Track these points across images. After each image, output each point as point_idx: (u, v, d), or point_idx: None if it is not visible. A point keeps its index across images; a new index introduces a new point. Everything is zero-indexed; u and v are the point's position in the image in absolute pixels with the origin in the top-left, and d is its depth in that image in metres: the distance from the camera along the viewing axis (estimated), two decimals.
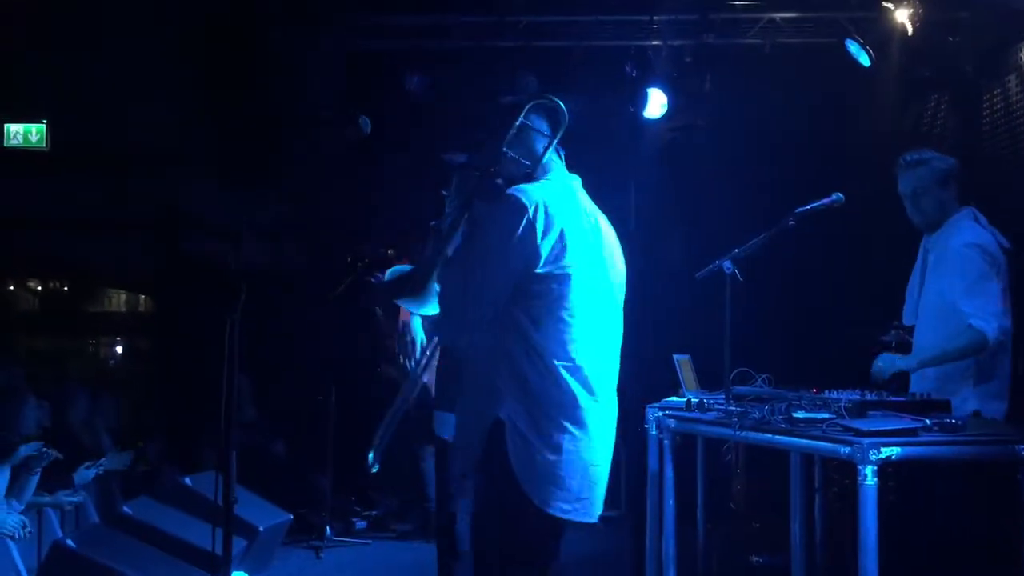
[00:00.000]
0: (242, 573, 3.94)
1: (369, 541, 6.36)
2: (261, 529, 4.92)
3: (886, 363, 3.79)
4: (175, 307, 7.82)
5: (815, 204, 3.84)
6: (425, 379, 4.62)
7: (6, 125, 6.69)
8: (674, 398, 4.23)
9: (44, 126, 6.61)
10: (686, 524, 4.33)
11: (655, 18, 6.45)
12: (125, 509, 4.50)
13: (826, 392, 3.49)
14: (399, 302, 4.69)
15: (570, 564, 5.38)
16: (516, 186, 2.67)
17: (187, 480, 5.37)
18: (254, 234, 7.28)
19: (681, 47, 6.57)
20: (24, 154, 6.45)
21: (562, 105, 2.77)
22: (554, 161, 2.81)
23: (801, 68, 6.59)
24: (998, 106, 5.40)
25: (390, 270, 5.09)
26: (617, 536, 6.37)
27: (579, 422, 2.63)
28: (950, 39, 5.73)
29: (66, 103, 6.57)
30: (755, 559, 5.28)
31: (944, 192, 3.78)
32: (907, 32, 5.70)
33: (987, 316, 3.53)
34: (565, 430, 2.61)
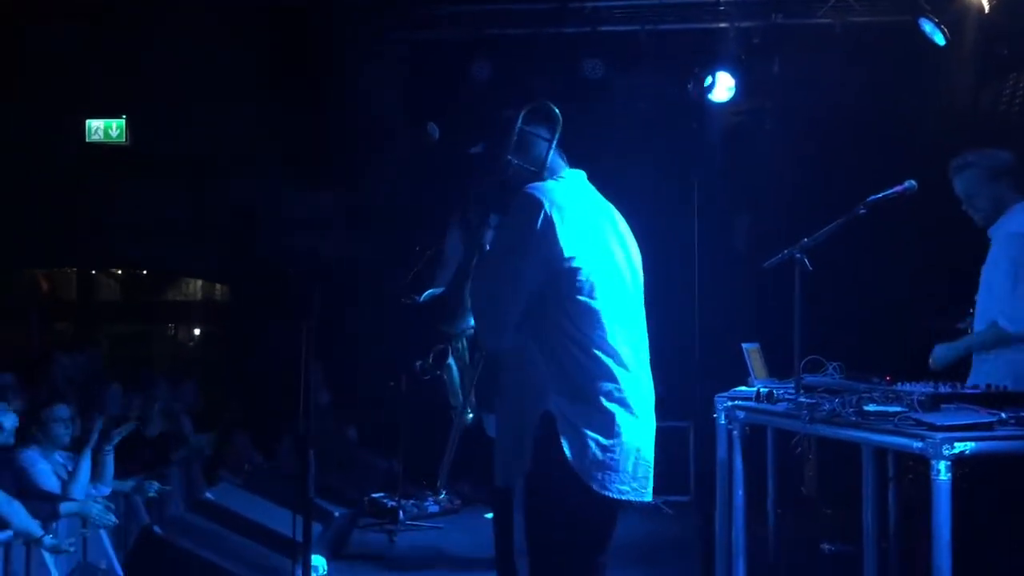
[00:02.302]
0: (320, 558, 4.06)
1: (441, 525, 6.47)
2: (336, 515, 5.04)
3: (939, 352, 3.88)
4: (251, 299, 8.01)
5: (887, 192, 3.78)
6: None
7: (87, 121, 6.91)
8: (743, 387, 4.22)
9: (124, 122, 6.81)
10: (755, 513, 4.33)
11: None
12: (208, 495, 4.66)
13: (898, 384, 3.46)
14: (438, 324, 4.86)
15: (640, 549, 5.44)
16: (530, 184, 2.79)
17: (265, 466, 5.54)
18: (327, 227, 7.42)
19: (749, 29, 6.48)
20: (108, 151, 6.66)
21: (555, 109, 2.89)
22: (558, 161, 2.92)
23: (873, 48, 6.43)
24: None
25: (425, 293, 5.22)
26: (685, 523, 6.39)
27: (624, 403, 2.73)
28: None
29: (147, 102, 6.76)
30: (826, 547, 5.24)
31: (997, 187, 3.78)
32: (983, 9, 5.54)
33: (1015, 317, 3.62)
34: (612, 413, 2.70)
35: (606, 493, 2.70)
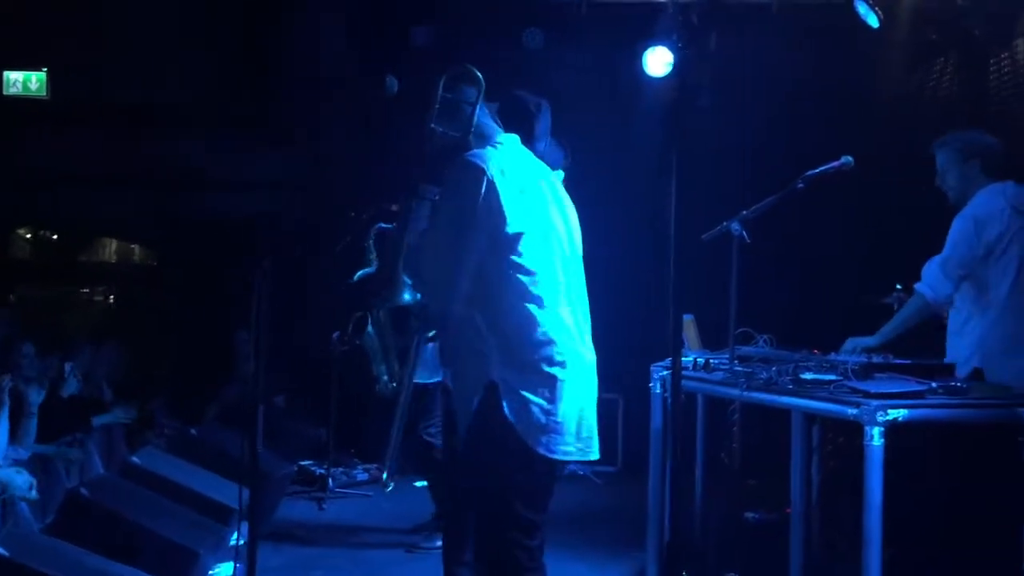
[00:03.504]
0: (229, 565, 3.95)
1: (370, 492, 6.44)
2: (267, 479, 4.97)
3: (851, 345, 3.92)
4: (179, 262, 7.80)
5: (824, 167, 3.87)
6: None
7: (5, 73, 6.62)
8: None
9: (44, 75, 6.54)
10: (684, 482, 4.40)
11: None
12: (133, 459, 4.55)
13: (831, 354, 3.54)
14: (372, 303, 4.85)
15: (571, 519, 5.50)
16: (470, 151, 2.79)
17: (192, 431, 5.42)
18: (258, 188, 7.26)
19: (688, 4, 6.50)
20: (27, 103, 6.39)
21: (477, 72, 2.87)
22: (492, 126, 2.92)
23: (809, 28, 6.54)
24: (1005, 70, 5.40)
25: (357, 273, 5.18)
26: (613, 492, 6.48)
27: (565, 367, 2.77)
28: (959, 2, 5.71)
29: (70, 55, 6.50)
30: (750, 516, 5.36)
31: (966, 167, 3.89)
32: None
33: (935, 287, 3.80)
34: (554, 377, 2.74)
35: (551, 455, 2.75)
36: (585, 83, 6.84)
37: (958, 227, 3.80)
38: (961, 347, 3.82)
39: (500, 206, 2.70)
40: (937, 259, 3.85)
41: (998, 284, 3.71)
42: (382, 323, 5.35)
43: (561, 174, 4.12)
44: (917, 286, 3.88)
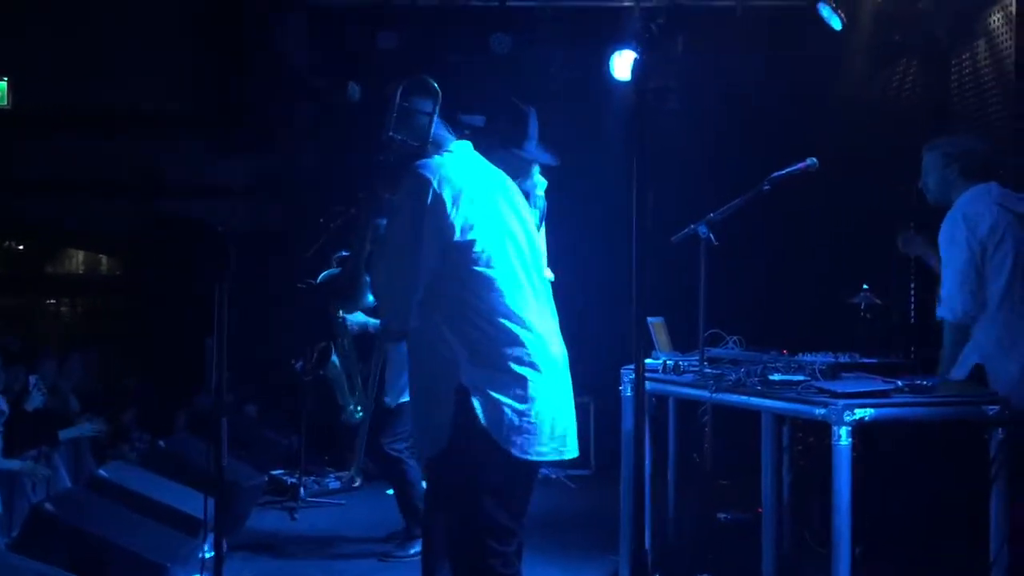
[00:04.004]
0: None
1: (343, 501, 6.40)
2: (238, 490, 4.93)
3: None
4: (147, 269, 7.72)
5: (790, 169, 3.89)
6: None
7: None
8: (649, 360, 4.29)
9: (5, 84, 6.46)
10: (657, 484, 4.42)
11: None
12: (101, 472, 4.48)
13: (800, 355, 3.57)
14: (335, 304, 4.85)
15: (545, 523, 5.50)
16: (418, 162, 2.81)
17: (161, 443, 5.36)
18: (234, 193, 7.21)
19: (653, 8, 6.55)
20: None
21: (433, 82, 2.91)
22: (444, 135, 2.95)
23: (773, 31, 6.60)
24: (967, 71, 5.46)
25: (322, 274, 5.18)
26: (587, 496, 6.49)
27: (535, 366, 2.77)
28: (920, 4, 5.77)
29: (33, 62, 6.42)
30: (722, 516, 5.39)
31: (946, 171, 3.86)
32: None
33: (949, 305, 3.65)
34: (525, 378, 2.74)
35: (526, 457, 2.75)
36: (553, 87, 6.85)
37: (948, 232, 3.70)
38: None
39: (447, 213, 2.71)
40: (947, 279, 3.67)
41: (995, 279, 3.65)
42: (346, 351, 5.37)
43: (544, 183, 4.15)
44: (939, 313, 3.71)
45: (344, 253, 5.38)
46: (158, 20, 6.26)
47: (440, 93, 2.90)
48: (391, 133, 2.85)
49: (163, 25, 6.28)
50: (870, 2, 5.82)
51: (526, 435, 2.73)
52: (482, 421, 2.69)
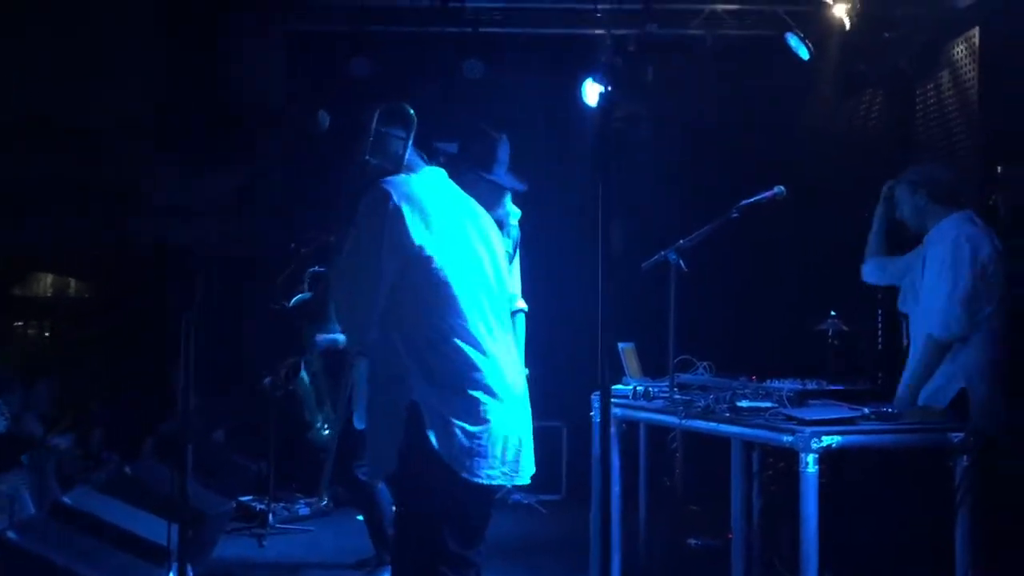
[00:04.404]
0: None
1: (312, 527, 6.34)
2: (205, 517, 4.87)
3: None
4: (117, 292, 7.64)
5: (758, 196, 3.94)
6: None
7: None
8: (619, 386, 4.30)
9: None
10: (628, 509, 4.42)
11: (599, 7, 6.49)
12: (64, 499, 4.41)
13: (768, 381, 3.60)
14: (308, 328, 4.86)
15: (516, 548, 5.47)
16: (380, 179, 2.85)
17: (127, 469, 5.29)
18: (206, 215, 7.16)
19: (624, 36, 6.62)
20: None
21: (409, 108, 2.96)
22: (417, 161, 2.99)
23: (743, 61, 6.70)
24: (931, 102, 5.56)
25: (295, 298, 5.17)
26: (559, 521, 6.47)
27: (489, 390, 2.77)
28: (886, 35, 5.88)
29: (2, 78, 6.37)
30: (693, 542, 5.40)
31: (916, 199, 3.93)
32: (845, 27, 5.84)
33: (947, 323, 3.65)
34: (477, 400, 2.75)
35: (476, 479, 2.74)
36: (525, 114, 6.90)
37: (950, 252, 3.70)
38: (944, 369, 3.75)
39: (406, 228, 2.73)
40: (944, 295, 3.68)
41: (988, 304, 3.70)
42: (314, 367, 5.37)
43: (518, 213, 4.16)
44: (929, 329, 3.70)
45: (317, 269, 5.38)
46: (132, 39, 6.23)
47: (415, 120, 2.94)
48: (366, 157, 2.89)
49: (137, 44, 6.26)
50: (837, 33, 5.93)
51: (477, 458, 2.73)
52: (432, 441, 2.69)
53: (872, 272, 4.27)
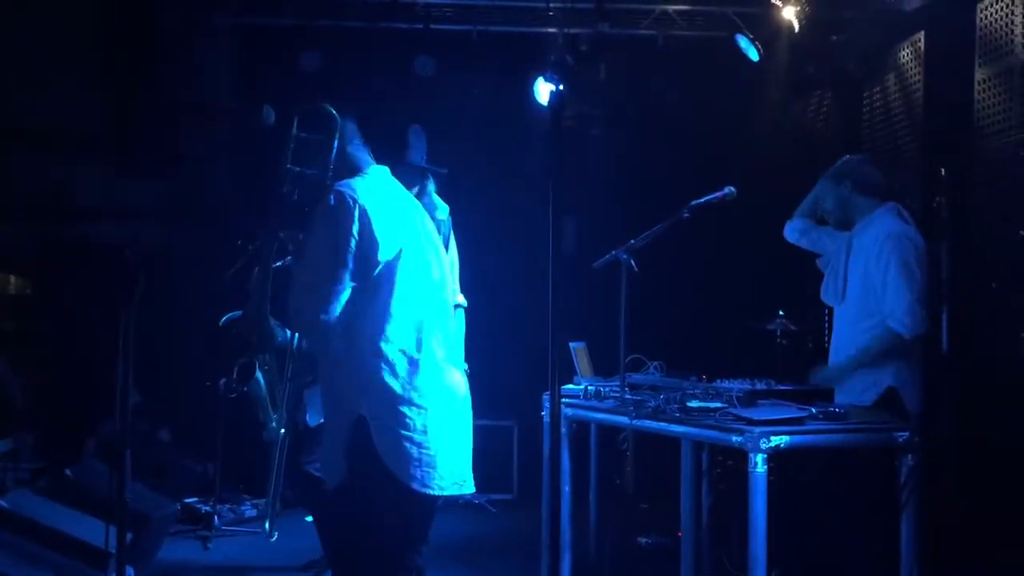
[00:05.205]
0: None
1: (259, 530, 6.24)
2: (148, 520, 4.77)
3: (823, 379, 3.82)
4: (52, 290, 7.46)
5: (708, 197, 3.96)
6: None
7: None
8: (570, 386, 4.29)
9: None
10: (579, 508, 4.42)
11: (551, 5, 6.49)
12: (1, 503, 4.29)
13: (716, 381, 3.61)
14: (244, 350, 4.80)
15: (465, 548, 5.44)
16: (339, 182, 2.79)
17: (68, 472, 5.15)
18: (144, 215, 7.02)
19: (577, 35, 6.62)
20: None
21: (332, 109, 2.88)
22: (363, 158, 2.92)
23: (693, 61, 6.74)
24: (877, 104, 5.63)
25: (224, 318, 5.09)
26: (509, 521, 6.46)
27: (435, 400, 2.74)
28: (834, 38, 5.95)
29: None
30: (643, 541, 5.42)
31: (839, 190, 3.96)
32: (794, 29, 5.89)
33: (910, 323, 3.67)
34: (424, 410, 2.71)
35: (426, 491, 2.71)
36: (477, 111, 6.87)
37: (909, 252, 3.72)
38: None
39: (372, 234, 2.69)
40: (906, 294, 3.68)
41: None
42: (268, 367, 5.27)
43: (446, 207, 4.13)
44: (891, 325, 3.70)
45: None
46: (65, 35, 6.08)
47: (340, 121, 2.86)
48: (289, 165, 2.82)
49: (71, 41, 6.10)
50: (785, 34, 5.99)
51: (426, 468, 2.70)
52: (379, 453, 2.66)
53: (794, 231, 4.27)
